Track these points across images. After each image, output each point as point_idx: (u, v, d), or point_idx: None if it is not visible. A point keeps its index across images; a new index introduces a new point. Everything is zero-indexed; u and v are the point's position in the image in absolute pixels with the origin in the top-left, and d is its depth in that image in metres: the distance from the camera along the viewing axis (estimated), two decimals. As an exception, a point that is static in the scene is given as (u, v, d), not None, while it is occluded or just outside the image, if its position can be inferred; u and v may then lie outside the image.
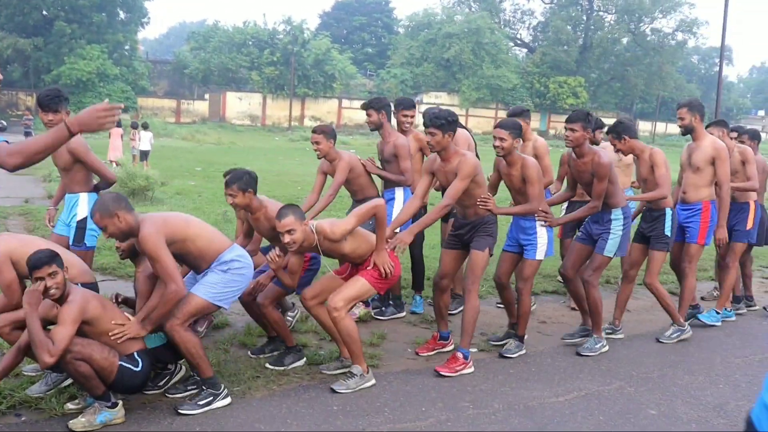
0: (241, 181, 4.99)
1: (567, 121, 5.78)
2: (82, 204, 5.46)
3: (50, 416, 4.30)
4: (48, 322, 4.23)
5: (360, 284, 4.96)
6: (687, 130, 6.57)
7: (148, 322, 4.37)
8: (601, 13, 60.54)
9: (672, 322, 6.46)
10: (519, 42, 64.82)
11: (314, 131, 6.46)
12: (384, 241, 4.99)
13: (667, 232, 6.20)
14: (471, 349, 5.93)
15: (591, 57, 58.59)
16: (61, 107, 5.30)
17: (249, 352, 5.53)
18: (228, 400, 4.57)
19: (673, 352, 6.14)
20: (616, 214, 5.87)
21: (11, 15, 42.34)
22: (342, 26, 66.69)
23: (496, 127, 5.56)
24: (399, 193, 6.66)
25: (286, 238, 4.69)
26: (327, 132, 6.43)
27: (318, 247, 4.89)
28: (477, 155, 6.26)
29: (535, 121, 56.64)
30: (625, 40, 60.33)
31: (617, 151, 6.32)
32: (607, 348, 6.01)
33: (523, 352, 5.83)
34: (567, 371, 5.53)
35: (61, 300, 4.11)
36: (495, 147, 5.51)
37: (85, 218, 5.40)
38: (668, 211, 6.20)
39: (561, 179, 7.13)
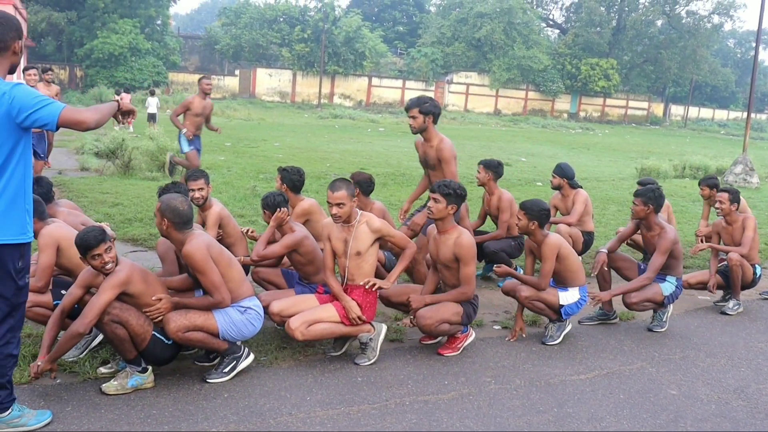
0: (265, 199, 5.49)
1: (635, 195, 6.18)
2: None
3: (84, 379, 4.47)
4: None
5: (328, 311, 4.96)
6: None
7: (181, 304, 4.51)
8: (635, -6, 59.59)
9: None
10: (551, 23, 64.08)
11: None
12: (398, 275, 5.19)
13: None
14: (494, 326, 6.02)
15: (624, 39, 57.71)
16: None
17: (275, 325, 5.64)
18: (251, 357, 4.72)
19: (695, 335, 6.16)
20: None
21: (46, -12, 42.69)
22: (373, 4, 66.30)
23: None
24: None
25: (334, 210, 4.93)
26: None
27: (353, 227, 5.05)
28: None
29: (565, 103, 56.20)
30: (659, 23, 59.31)
31: None
32: None
33: None
34: (589, 351, 5.58)
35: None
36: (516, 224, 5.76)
37: None
38: None
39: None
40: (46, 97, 3.48)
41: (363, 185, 6.54)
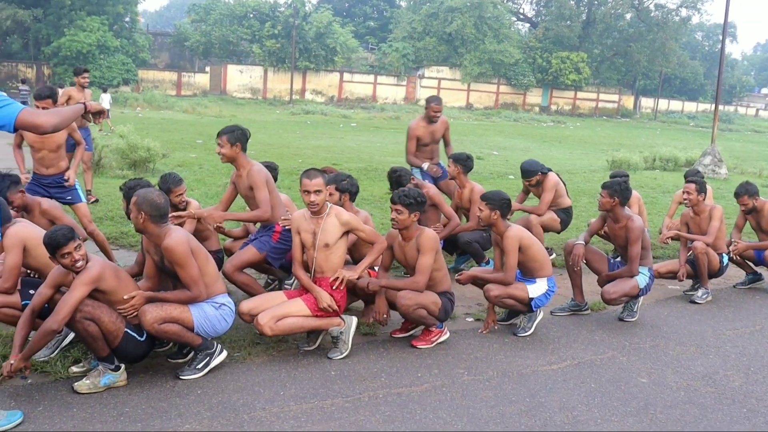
0: (232, 134, 5.42)
1: (602, 186, 6.21)
2: None
3: (56, 379, 4.44)
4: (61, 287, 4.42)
5: (296, 305, 4.97)
6: None
7: (157, 299, 4.51)
8: (604, -12, 59.94)
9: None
10: (522, 17, 64.27)
11: None
12: (365, 267, 5.21)
13: None
14: (467, 318, 6.06)
15: (594, 32, 58.08)
16: None
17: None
18: (224, 354, 4.71)
19: (665, 324, 6.25)
20: None
21: (11, -15, 42.00)
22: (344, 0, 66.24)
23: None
24: None
25: (312, 197, 4.95)
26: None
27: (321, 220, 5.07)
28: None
29: (537, 97, 56.47)
30: (628, 16, 59.73)
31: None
32: None
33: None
34: (561, 341, 5.64)
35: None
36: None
37: None
38: None
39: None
40: (4, 96, 3.45)
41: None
